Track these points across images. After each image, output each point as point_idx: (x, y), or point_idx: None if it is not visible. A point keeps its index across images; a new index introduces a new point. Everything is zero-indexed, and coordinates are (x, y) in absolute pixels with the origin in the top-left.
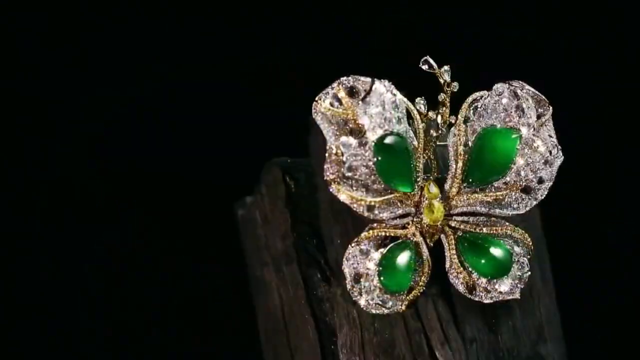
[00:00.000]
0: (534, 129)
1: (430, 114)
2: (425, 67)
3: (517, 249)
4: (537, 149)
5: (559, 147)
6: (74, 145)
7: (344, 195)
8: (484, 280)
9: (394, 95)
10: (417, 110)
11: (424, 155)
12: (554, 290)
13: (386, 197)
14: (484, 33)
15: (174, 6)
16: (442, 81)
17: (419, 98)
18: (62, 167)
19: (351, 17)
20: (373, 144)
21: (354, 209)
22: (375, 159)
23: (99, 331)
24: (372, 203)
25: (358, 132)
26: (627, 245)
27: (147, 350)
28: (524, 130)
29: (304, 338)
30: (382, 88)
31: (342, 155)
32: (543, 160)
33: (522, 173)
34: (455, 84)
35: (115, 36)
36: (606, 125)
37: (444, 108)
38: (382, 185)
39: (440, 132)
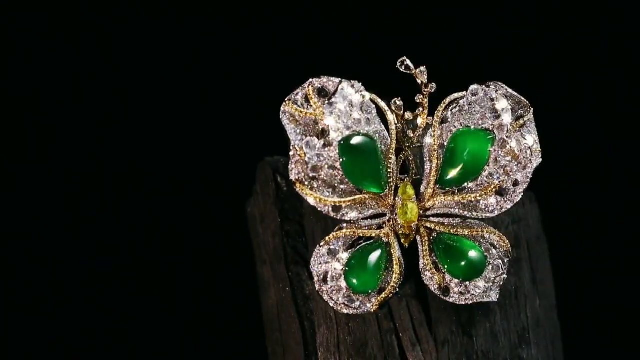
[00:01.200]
0: (510, 131)
1: (407, 114)
2: (402, 68)
3: (493, 251)
4: (511, 151)
5: (539, 149)
6: (74, 144)
7: (308, 195)
8: (456, 281)
9: (363, 96)
10: (393, 111)
11: (402, 156)
12: (553, 293)
13: (354, 197)
14: (484, 33)
15: (174, 6)
16: (419, 82)
17: (395, 99)
18: (63, 166)
19: (349, 18)
20: (338, 144)
21: (320, 210)
22: (341, 160)
23: (100, 330)
24: (338, 204)
25: (325, 133)
26: (628, 245)
27: (156, 346)
28: (497, 132)
29: (292, 336)
30: (350, 89)
31: (305, 155)
32: (518, 163)
33: (496, 175)
34: (433, 84)
35: (116, 36)
36: (606, 125)
37: (421, 109)
38: (351, 186)
39: (417, 133)
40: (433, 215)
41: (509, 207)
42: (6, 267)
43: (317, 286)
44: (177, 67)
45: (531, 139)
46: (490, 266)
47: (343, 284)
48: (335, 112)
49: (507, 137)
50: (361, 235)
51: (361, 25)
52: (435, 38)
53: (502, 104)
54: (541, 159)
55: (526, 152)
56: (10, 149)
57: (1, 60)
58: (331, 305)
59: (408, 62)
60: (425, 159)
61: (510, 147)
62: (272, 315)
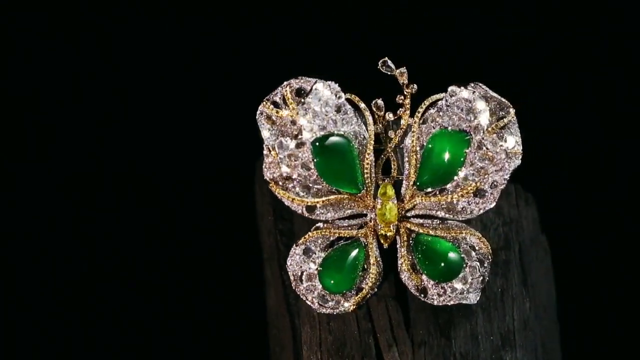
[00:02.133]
0: (488, 132)
1: (388, 115)
2: (383, 68)
3: (472, 253)
4: (488, 153)
5: (520, 150)
6: (74, 144)
7: (281, 195)
8: (432, 283)
9: (339, 97)
10: (374, 111)
11: (383, 156)
12: (551, 296)
13: (327, 198)
14: (484, 33)
15: (174, 6)
16: (401, 82)
17: (376, 99)
18: (63, 166)
19: (349, 18)
20: (312, 144)
21: (294, 209)
22: (314, 160)
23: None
24: (312, 203)
25: (299, 133)
26: (628, 245)
27: (166, 342)
28: (474, 133)
29: (285, 334)
30: (325, 89)
31: (277, 155)
32: (495, 164)
33: (472, 177)
34: (414, 85)
35: (116, 36)
36: (606, 125)
37: (403, 109)
38: (326, 186)
39: (398, 133)
40: (414, 217)
41: (487, 208)
42: (6, 267)
43: (293, 285)
44: (177, 67)
45: (512, 140)
46: (468, 268)
47: (317, 284)
48: (309, 113)
49: (483, 138)
50: (339, 235)
51: (361, 25)
52: (435, 38)
53: (478, 105)
54: (520, 161)
55: (501, 154)
56: (10, 149)
57: (1, 60)
58: (308, 304)
59: (389, 62)
60: (404, 160)
61: (489, 148)
62: (272, 314)
